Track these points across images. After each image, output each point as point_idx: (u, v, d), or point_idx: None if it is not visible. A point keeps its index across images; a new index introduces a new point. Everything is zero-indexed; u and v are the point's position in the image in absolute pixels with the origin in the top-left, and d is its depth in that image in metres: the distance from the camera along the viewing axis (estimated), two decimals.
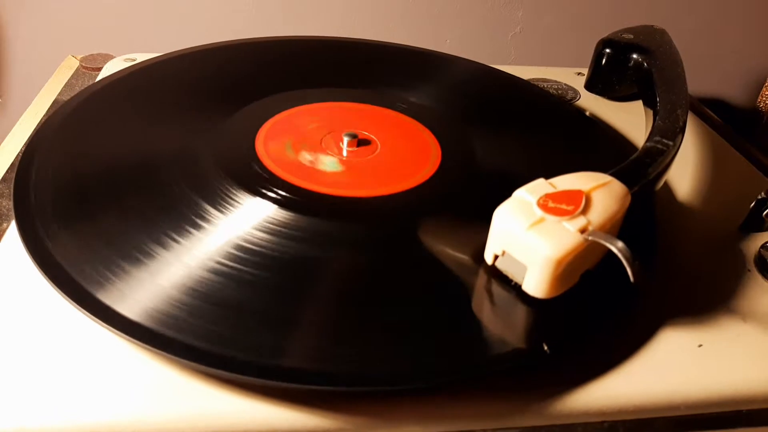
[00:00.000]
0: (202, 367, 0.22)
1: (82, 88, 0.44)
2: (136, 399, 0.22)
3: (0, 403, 0.21)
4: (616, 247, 0.22)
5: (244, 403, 0.22)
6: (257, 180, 0.30)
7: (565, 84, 0.49)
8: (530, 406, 0.23)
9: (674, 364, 0.25)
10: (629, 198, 0.26)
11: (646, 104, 0.41)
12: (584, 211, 0.24)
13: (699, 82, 0.65)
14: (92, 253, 0.25)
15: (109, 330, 0.22)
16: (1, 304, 0.25)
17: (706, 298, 0.29)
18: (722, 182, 0.38)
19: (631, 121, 0.44)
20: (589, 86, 0.47)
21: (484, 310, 0.25)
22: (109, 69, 0.45)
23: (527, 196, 0.25)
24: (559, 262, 0.23)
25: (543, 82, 0.49)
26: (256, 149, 0.33)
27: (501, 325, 0.25)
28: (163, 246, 0.26)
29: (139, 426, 0.21)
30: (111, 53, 0.49)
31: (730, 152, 0.42)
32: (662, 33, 0.46)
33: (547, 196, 0.25)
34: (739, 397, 0.25)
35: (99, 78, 0.44)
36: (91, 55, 0.48)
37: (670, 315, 0.27)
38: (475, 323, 0.25)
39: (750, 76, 0.66)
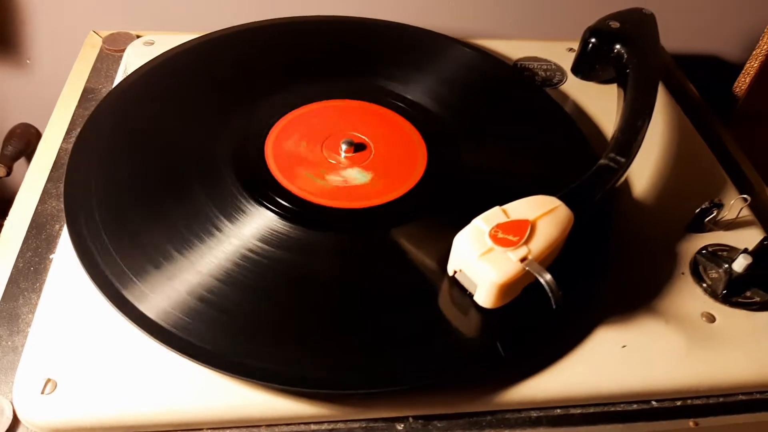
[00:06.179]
0: (221, 372, 0.28)
1: (107, 72, 0.49)
2: (173, 391, 0.29)
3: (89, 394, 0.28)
4: (544, 279, 0.27)
5: (256, 395, 0.29)
6: (263, 190, 0.36)
7: (555, 64, 0.51)
8: (471, 396, 0.30)
9: (599, 364, 0.31)
10: (572, 221, 0.31)
11: (620, 86, 0.44)
12: (528, 240, 0.29)
13: (690, 40, 0.66)
14: (133, 261, 0.32)
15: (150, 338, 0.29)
16: (62, 308, 0.31)
17: (638, 299, 0.34)
18: (685, 177, 0.42)
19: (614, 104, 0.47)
20: (575, 71, 0.50)
21: (447, 316, 0.31)
22: (129, 53, 0.49)
23: (482, 225, 0.30)
24: (502, 286, 0.29)
25: (534, 61, 0.52)
26: (266, 158, 0.38)
27: (457, 330, 0.31)
28: (180, 252, 0.32)
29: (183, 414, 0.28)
30: (131, 30, 0.53)
31: (698, 145, 0.45)
32: (650, 19, 0.48)
33: (498, 226, 0.30)
34: (649, 392, 0.31)
35: (122, 65, 0.48)
36: (112, 35, 0.52)
37: (604, 316, 0.33)
38: (438, 328, 0.31)
39: (742, 36, 0.66)
